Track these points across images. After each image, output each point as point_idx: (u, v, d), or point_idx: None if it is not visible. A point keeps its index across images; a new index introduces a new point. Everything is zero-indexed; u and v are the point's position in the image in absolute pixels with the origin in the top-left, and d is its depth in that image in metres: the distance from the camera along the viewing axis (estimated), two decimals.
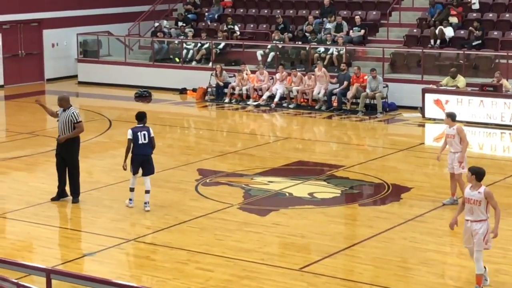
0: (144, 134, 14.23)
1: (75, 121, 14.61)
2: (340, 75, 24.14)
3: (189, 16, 30.44)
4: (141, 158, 14.28)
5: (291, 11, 29.19)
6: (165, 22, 30.46)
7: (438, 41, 24.97)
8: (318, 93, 24.16)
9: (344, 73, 24.08)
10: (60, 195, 14.98)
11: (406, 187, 15.69)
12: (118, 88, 28.25)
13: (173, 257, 11.96)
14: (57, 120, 14.80)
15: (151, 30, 30.31)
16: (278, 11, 29.13)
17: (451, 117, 14.20)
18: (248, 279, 11.11)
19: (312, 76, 24.50)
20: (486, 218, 10.38)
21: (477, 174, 10.46)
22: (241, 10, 30.21)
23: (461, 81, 22.43)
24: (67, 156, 14.75)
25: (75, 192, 14.92)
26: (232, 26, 28.66)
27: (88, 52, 30.37)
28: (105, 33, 30.69)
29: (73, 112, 14.66)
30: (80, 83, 29.55)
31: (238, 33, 28.53)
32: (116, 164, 16.20)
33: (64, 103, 14.82)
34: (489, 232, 10.37)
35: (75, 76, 29.85)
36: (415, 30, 26.25)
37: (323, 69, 24.34)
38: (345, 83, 23.87)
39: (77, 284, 9.50)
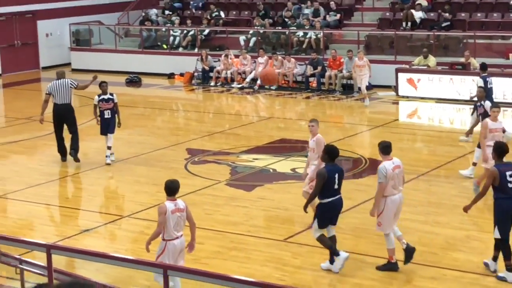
0: None
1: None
2: (312, 61, 24.07)
3: (175, 5, 30.28)
4: None
5: None
6: (155, 11, 30.28)
7: (410, 24, 24.99)
8: (361, 85, 21.82)
9: (315, 60, 24.00)
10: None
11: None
12: (109, 74, 28.07)
13: None
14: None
15: (139, 19, 30.15)
16: None
17: (500, 109, 13.12)
18: (236, 250, 11.15)
19: (292, 59, 24.47)
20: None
21: (169, 189, 9.28)
22: None
23: (431, 60, 22.48)
24: None
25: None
26: (217, 13, 28.58)
27: (80, 41, 30.18)
28: (96, 23, 30.49)
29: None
30: (74, 70, 29.36)
31: (223, 16, 28.44)
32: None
33: None
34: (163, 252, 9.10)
35: (69, 64, 29.67)
36: (387, 14, 26.24)
37: (365, 58, 22.07)
38: (319, 67, 23.86)
39: (76, 258, 9.52)
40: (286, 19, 26.86)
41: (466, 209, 10.43)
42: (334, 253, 10.31)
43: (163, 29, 28.99)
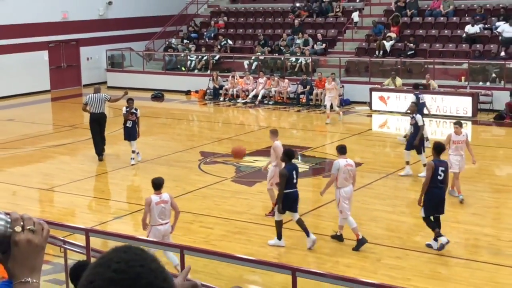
0: None
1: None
2: (302, 82, 24.11)
3: (192, 35, 30.30)
4: None
5: (269, 30, 29.11)
6: (173, 40, 30.32)
7: (381, 52, 25.00)
8: (331, 107, 20.42)
9: (305, 80, 24.03)
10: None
11: (358, 162, 15.71)
12: (138, 90, 28.11)
13: (182, 218, 11.89)
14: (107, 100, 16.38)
15: (163, 46, 30.17)
16: (260, 31, 29.03)
17: (461, 125, 12.69)
18: (239, 234, 11.14)
19: (286, 80, 24.48)
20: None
21: (154, 184, 9.19)
22: (231, 30, 30.08)
23: (398, 81, 22.48)
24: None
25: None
26: (226, 42, 28.61)
27: (115, 64, 30.20)
28: (128, 49, 30.53)
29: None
30: (109, 87, 29.40)
31: (231, 43, 28.49)
32: (138, 149, 16.14)
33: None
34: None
35: (105, 82, 29.70)
36: (364, 44, 26.25)
37: (333, 82, 20.90)
38: (308, 86, 23.89)
39: (109, 240, 9.50)
40: (282, 48, 26.87)
41: (419, 202, 10.33)
42: (278, 237, 10.46)
43: (182, 55, 29.01)
